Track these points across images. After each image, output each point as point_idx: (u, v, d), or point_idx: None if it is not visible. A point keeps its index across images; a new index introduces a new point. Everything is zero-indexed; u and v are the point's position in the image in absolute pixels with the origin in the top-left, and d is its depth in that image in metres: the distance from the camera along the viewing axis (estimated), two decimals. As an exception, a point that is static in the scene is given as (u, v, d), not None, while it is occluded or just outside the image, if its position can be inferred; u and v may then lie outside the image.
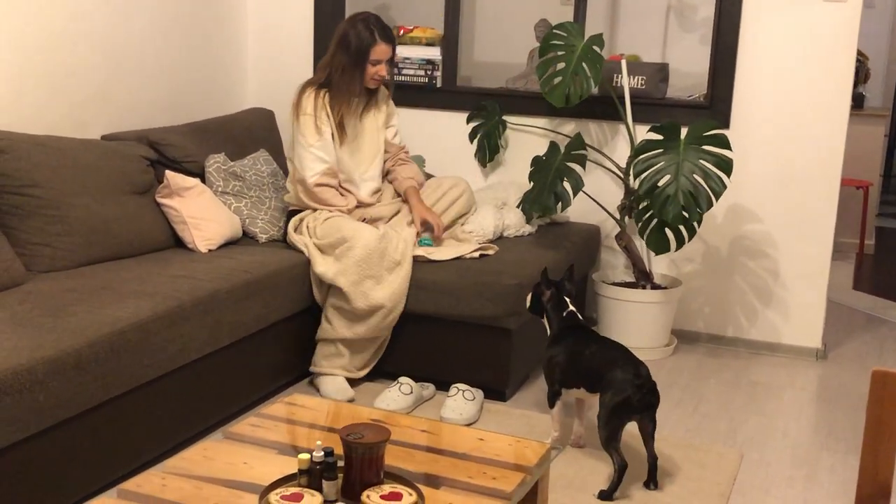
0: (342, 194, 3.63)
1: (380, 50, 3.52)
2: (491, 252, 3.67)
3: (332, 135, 3.56)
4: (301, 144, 3.53)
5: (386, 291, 3.37)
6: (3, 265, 2.84)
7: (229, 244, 3.54)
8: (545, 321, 3.05)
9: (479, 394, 3.34)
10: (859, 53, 6.11)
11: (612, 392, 2.71)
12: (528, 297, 3.08)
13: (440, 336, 3.46)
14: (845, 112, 3.88)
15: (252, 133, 4.07)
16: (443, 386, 3.50)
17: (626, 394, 2.69)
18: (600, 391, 2.77)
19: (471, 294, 3.37)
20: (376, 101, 3.74)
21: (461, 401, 3.26)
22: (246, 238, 3.66)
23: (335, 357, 3.43)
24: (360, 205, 3.68)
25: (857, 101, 6.11)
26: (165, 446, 2.87)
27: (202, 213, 3.46)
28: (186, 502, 1.87)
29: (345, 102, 3.58)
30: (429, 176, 4.31)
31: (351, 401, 3.32)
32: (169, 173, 3.48)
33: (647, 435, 2.76)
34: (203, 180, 3.64)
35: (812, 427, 3.36)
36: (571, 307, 3.01)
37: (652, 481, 2.77)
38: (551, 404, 2.98)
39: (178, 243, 3.49)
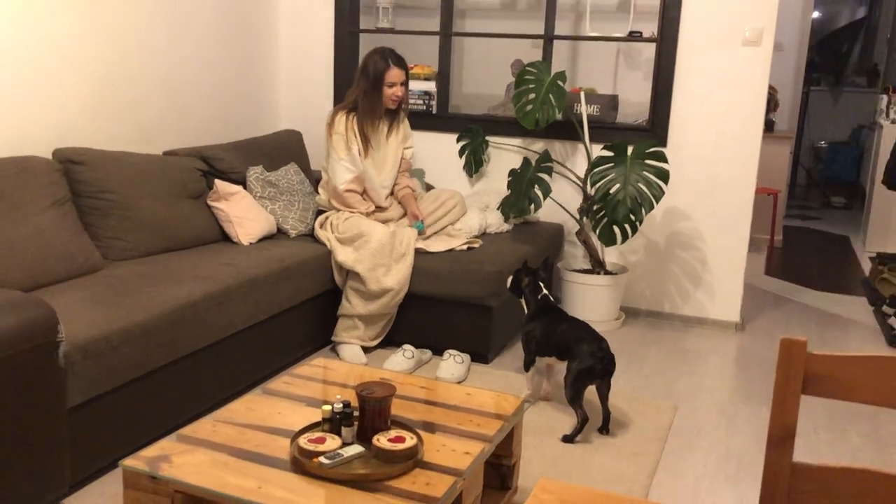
0: (364, 199, 3.62)
1: (393, 73, 3.48)
2: (476, 245, 3.67)
3: (359, 150, 3.54)
4: (333, 158, 3.52)
5: (394, 278, 3.36)
6: (85, 255, 2.83)
7: (266, 238, 3.53)
8: (523, 302, 3.03)
9: (467, 358, 3.34)
10: (770, 87, 6.12)
11: (579, 361, 2.74)
12: (510, 280, 3.07)
13: (436, 312, 3.46)
14: (759, 134, 3.88)
15: (284, 149, 4.05)
16: (438, 352, 3.50)
17: (590, 363, 2.72)
18: (569, 359, 2.78)
19: (460, 279, 3.36)
20: (398, 124, 3.69)
21: (453, 363, 3.26)
22: (279, 234, 3.64)
23: (352, 329, 3.42)
24: (378, 208, 3.66)
25: (769, 126, 6.11)
26: (215, 400, 2.86)
27: (244, 213, 3.45)
28: (232, 444, 1.87)
29: (369, 123, 3.54)
30: (429, 187, 4.30)
31: (364, 364, 3.31)
32: (217, 182, 3.47)
33: (604, 396, 2.79)
34: (245, 187, 3.62)
35: (732, 385, 3.37)
36: (545, 291, 3.00)
37: (605, 428, 2.80)
38: (527, 369, 2.98)
39: (225, 238, 3.48)
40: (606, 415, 2.80)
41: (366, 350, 3.46)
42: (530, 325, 2.96)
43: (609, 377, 2.78)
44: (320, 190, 3.68)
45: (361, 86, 3.51)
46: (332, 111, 3.60)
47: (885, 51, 8.89)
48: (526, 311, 3.02)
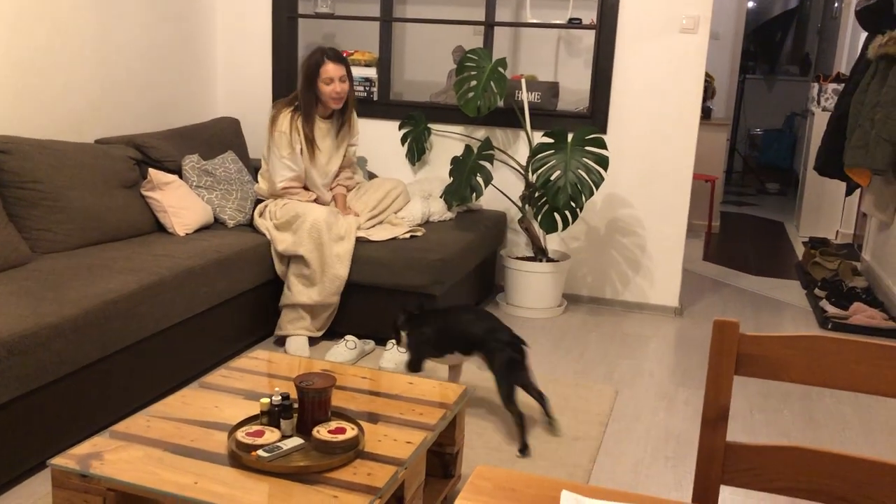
0: (304, 192, 3.57)
1: (329, 68, 3.40)
2: (419, 234, 3.65)
3: (302, 150, 3.48)
4: (274, 154, 3.46)
5: (338, 261, 3.33)
6: (11, 247, 2.73)
7: (203, 229, 3.45)
8: (404, 336, 2.78)
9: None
10: (707, 75, 6.24)
11: (500, 355, 2.58)
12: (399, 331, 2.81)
13: (379, 301, 3.44)
14: (696, 121, 3.95)
15: (221, 137, 3.97)
16: (381, 342, 3.48)
17: (511, 354, 2.58)
18: (485, 356, 2.62)
19: (403, 267, 3.35)
20: (349, 123, 3.63)
21: (395, 353, 3.24)
22: (217, 224, 3.57)
23: (298, 320, 3.38)
24: (318, 200, 3.62)
25: (706, 113, 6.23)
26: (151, 395, 2.80)
27: (180, 203, 3.37)
28: (168, 440, 1.82)
29: (312, 123, 3.48)
30: (372, 175, 4.27)
31: (307, 357, 3.27)
32: (152, 171, 3.38)
33: (529, 383, 2.65)
34: (180, 176, 3.54)
35: (671, 368, 3.43)
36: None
37: (548, 413, 2.77)
38: (415, 369, 2.75)
39: (160, 228, 3.39)
40: (542, 398, 2.70)
41: (310, 341, 3.42)
42: (420, 330, 2.73)
43: (526, 362, 2.63)
44: (259, 179, 3.62)
45: (301, 83, 3.46)
46: (275, 105, 3.54)
47: (816, 40, 9.14)
48: (405, 337, 2.78)
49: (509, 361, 2.59)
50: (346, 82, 3.45)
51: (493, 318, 2.70)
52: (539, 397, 2.71)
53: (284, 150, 3.44)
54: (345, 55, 3.51)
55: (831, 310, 4.13)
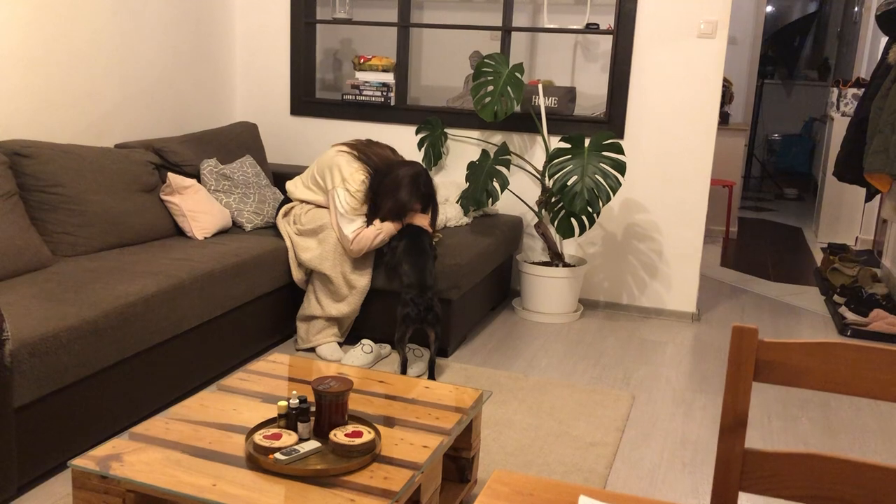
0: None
1: (416, 218, 3.34)
2: (435, 238, 3.66)
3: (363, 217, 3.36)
4: (340, 210, 3.28)
5: (360, 273, 3.34)
6: (33, 250, 2.76)
7: (221, 233, 3.48)
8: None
9: (427, 352, 3.33)
10: (725, 79, 6.21)
11: (401, 306, 3.10)
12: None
13: (396, 306, 3.44)
14: (714, 126, 3.94)
15: (239, 142, 4.00)
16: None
17: (408, 310, 3.07)
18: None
19: (419, 272, 3.35)
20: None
21: (412, 357, 3.25)
22: (235, 227, 3.60)
23: (325, 329, 3.38)
24: None
25: (723, 118, 6.21)
26: (169, 398, 2.82)
27: (198, 207, 3.40)
28: (186, 442, 1.84)
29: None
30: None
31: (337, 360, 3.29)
32: (171, 175, 3.41)
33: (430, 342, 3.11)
34: (199, 180, 3.57)
35: (688, 374, 3.42)
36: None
37: (430, 375, 3.13)
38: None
39: (179, 232, 3.42)
40: (430, 361, 3.11)
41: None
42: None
43: (429, 324, 3.08)
44: (295, 186, 3.53)
45: (384, 199, 3.30)
46: (349, 155, 3.39)
47: (836, 45, 9.08)
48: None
49: (405, 316, 3.09)
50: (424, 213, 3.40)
51: (423, 270, 3.16)
52: (429, 356, 3.16)
53: (351, 211, 3.29)
54: (434, 195, 3.43)
55: (851, 316, 4.10)
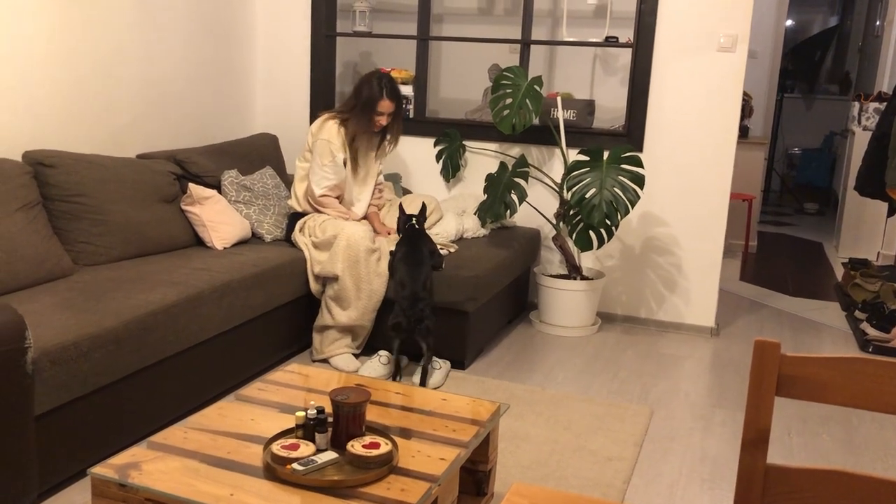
0: (339, 205, 3.62)
1: (384, 104, 3.49)
2: (453, 250, 3.66)
3: (345, 161, 3.55)
4: (316, 163, 3.53)
5: (371, 274, 3.35)
6: (55, 259, 2.79)
7: (241, 243, 3.50)
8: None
9: (446, 364, 3.32)
10: (745, 93, 6.19)
11: (392, 317, 3.14)
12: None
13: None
14: (733, 140, 3.92)
15: (259, 153, 4.02)
16: (416, 357, 3.49)
17: (398, 319, 3.11)
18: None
19: (436, 284, 3.35)
20: (384, 144, 3.72)
21: (430, 369, 3.24)
22: (254, 238, 3.62)
23: (337, 340, 3.40)
24: (350, 216, 3.65)
25: (743, 132, 6.18)
26: (188, 407, 2.83)
27: (218, 217, 3.42)
28: (204, 451, 1.84)
29: (360, 139, 3.57)
30: (406, 191, 4.29)
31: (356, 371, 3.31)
32: (191, 185, 3.43)
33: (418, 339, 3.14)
34: (219, 191, 3.59)
35: (707, 389, 3.39)
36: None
37: (422, 382, 3.15)
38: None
39: (199, 242, 3.44)
40: (423, 369, 3.14)
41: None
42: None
43: (419, 335, 3.11)
44: (292, 191, 3.67)
45: (354, 104, 3.53)
46: (321, 117, 3.61)
47: (857, 59, 9.02)
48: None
49: (395, 325, 3.13)
50: (394, 117, 3.57)
51: (417, 280, 3.16)
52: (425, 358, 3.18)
53: (326, 157, 3.50)
54: (399, 87, 3.60)
55: (872, 332, 4.05)
